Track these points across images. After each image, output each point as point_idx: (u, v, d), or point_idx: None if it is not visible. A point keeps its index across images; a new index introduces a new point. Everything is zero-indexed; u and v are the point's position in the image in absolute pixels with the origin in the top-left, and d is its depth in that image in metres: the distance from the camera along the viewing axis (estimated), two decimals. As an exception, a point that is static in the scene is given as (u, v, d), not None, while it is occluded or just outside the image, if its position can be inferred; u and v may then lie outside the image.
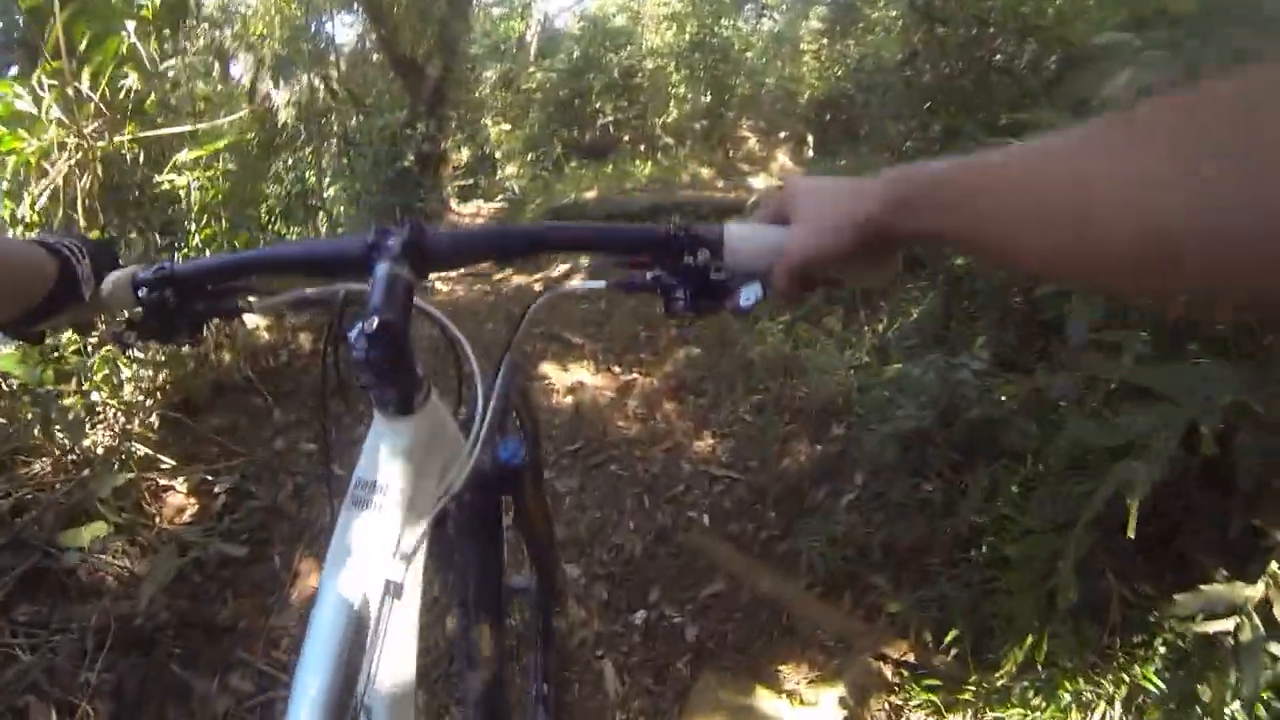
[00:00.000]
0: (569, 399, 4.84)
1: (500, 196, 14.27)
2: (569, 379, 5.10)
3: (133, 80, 3.94)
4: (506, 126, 16.65)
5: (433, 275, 1.08)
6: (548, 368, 5.29)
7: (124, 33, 3.47)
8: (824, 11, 14.46)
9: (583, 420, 4.58)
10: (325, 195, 11.90)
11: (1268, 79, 0.46)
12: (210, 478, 3.96)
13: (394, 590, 0.89)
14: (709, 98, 12.17)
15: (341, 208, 11.90)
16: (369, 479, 0.96)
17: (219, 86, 12.71)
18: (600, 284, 1.09)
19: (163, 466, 3.83)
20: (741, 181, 11.51)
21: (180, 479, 3.91)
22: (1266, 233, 0.44)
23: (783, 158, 12.28)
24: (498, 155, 16.91)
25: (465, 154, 17.09)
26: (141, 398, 4.05)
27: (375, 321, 0.89)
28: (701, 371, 4.93)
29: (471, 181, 16.51)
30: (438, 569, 1.46)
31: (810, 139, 13.01)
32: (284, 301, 1.12)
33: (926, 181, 0.74)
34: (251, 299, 1.11)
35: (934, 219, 0.72)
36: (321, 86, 14.75)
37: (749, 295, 0.95)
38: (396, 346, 0.92)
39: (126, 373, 3.99)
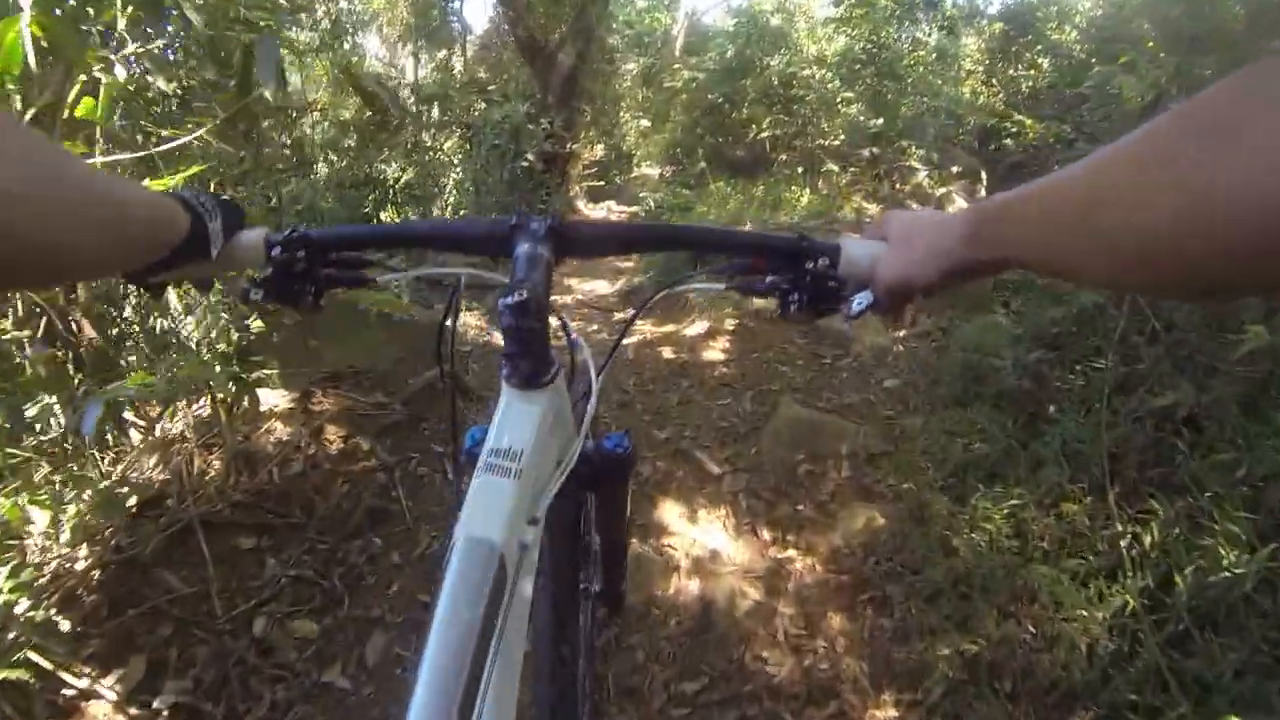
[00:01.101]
0: (694, 584, 3.38)
1: (635, 203, 12.95)
2: (697, 541, 3.65)
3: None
4: (646, 122, 15.25)
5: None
6: (669, 512, 3.83)
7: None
8: (998, 30, 12.88)
9: (711, 632, 3.12)
10: (437, 188, 10.81)
11: (1218, 98, 0.54)
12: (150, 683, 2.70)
13: (526, 552, 0.92)
14: (881, 121, 10.46)
15: (452, 200, 10.72)
16: (502, 446, 0.96)
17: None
18: (719, 286, 1.18)
19: (71, 678, 2.53)
20: (912, 222, 9.86)
21: (110, 680, 2.63)
22: (1243, 222, 0.51)
23: (958, 200, 10.57)
24: (635, 155, 15.51)
25: (600, 150, 15.87)
26: (67, 549, 2.75)
27: (523, 293, 0.94)
28: (885, 562, 3.41)
29: (603, 183, 15.24)
30: None
31: (984, 176, 11.44)
32: (409, 277, 1.24)
33: (995, 214, 0.84)
34: (378, 273, 1.18)
35: (1002, 248, 0.83)
36: (439, 69, 13.70)
37: (860, 302, 1.04)
38: (539, 318, 0.97)
39: (40, 520, 2.69)
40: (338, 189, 10.99)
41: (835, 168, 10.47)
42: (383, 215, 11.30)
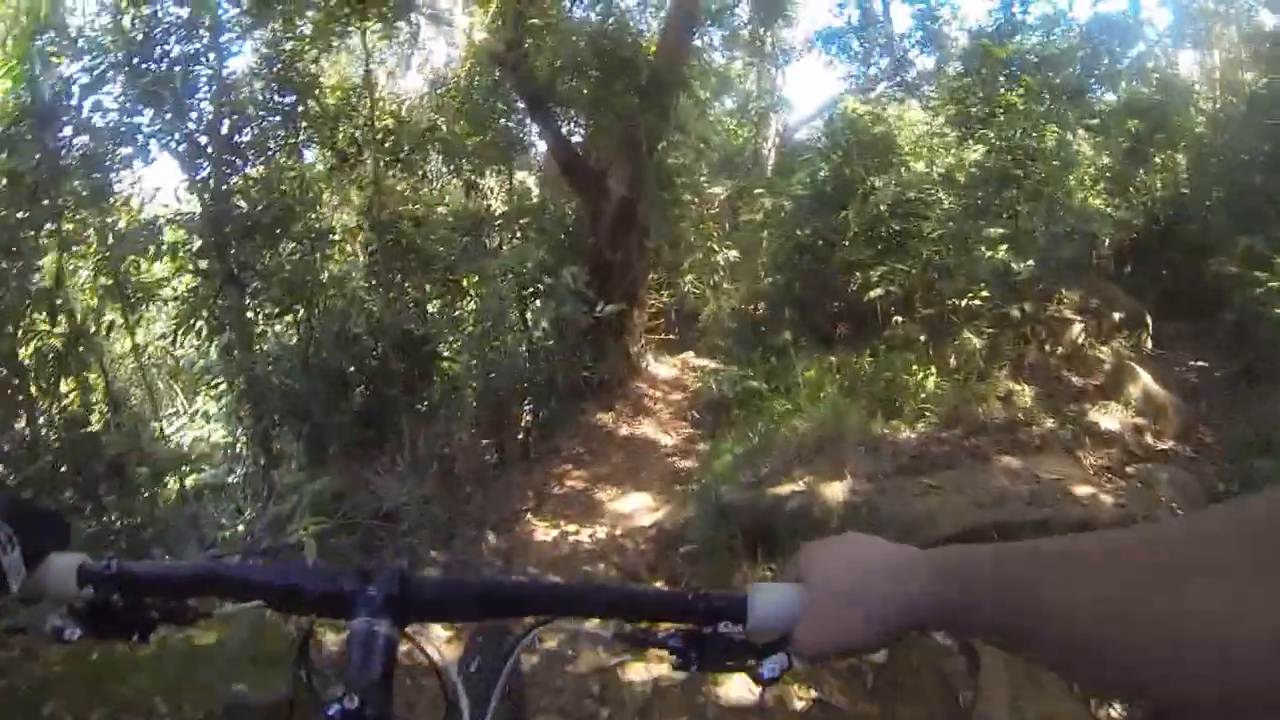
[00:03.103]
0: None
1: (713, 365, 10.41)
2: None
3: None
4: (735, 254, 12.57)
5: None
6: None
7: None
8: (1133, 126, 10.67)
9: None
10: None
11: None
12: None
13: None
14: (1029, 263, 7.53)
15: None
16: None
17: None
18: (607, 634, 1.07)
19: None
20: (1080, 417, 7.16)
21: None
22: None
23: (1142, 374, 7.69)
24: (715, 299, 12.76)
25: (672, 292, 13.56)
26: None
27: (356, 701, 0.85)
28: None
29: (674, 335, 12.61)
30: None
31: (1149, 322, 8.79)
32: (247, 610, 1.07)
33: (988, 579, 0.73)
34: (213, 608, 1.08)
35: (997, 616, 0.72)
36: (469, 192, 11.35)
37: (773, 666, 0.92)
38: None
39: None
40: (335, 341, 8.71)
41: (973, 337, 7.53)
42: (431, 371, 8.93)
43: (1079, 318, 8.47)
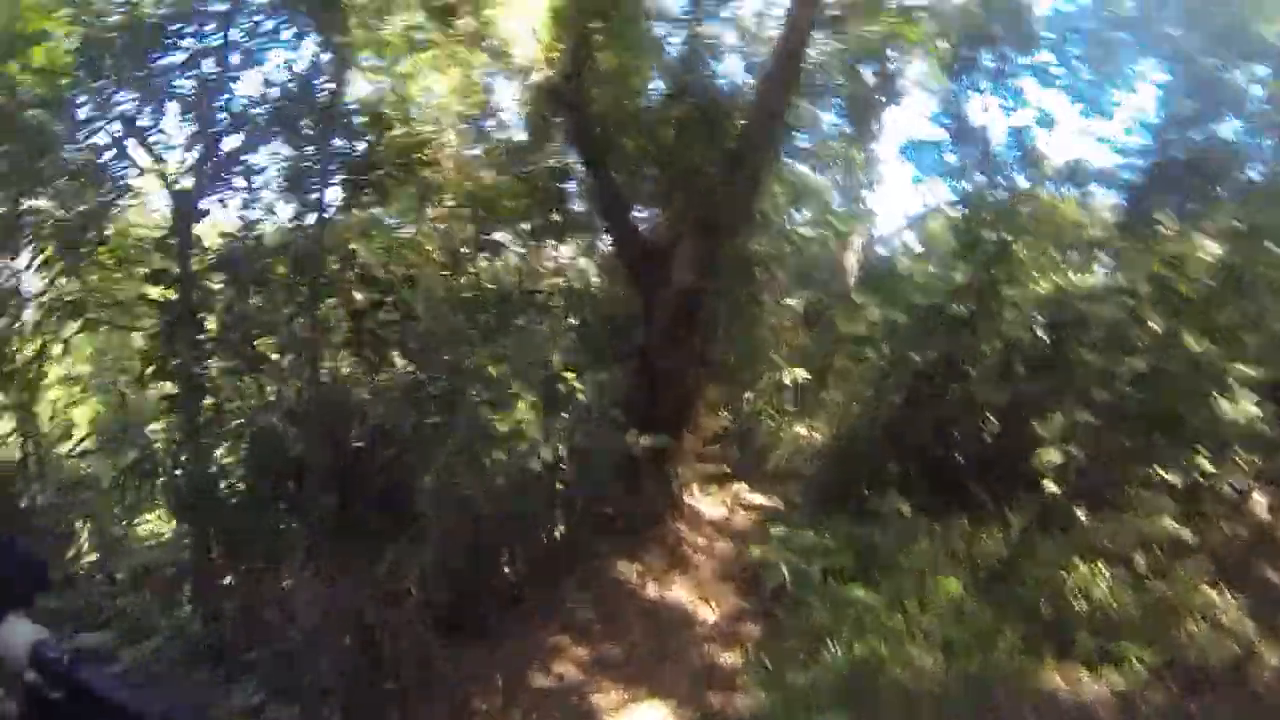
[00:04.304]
0: None
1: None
2: None
3: None
4: (803, 374, 10.74)
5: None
6: None
7: None
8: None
9: None
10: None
11: None
12: None
13: None
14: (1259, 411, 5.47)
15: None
16: None
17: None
18: None
19: None
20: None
21: None
22: None
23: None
24: (784, 425, 10.63)
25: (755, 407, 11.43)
26: None
27: None
28: None
29: (726, 466, 10.34)
30: None
31: None
32: None
33: None
34: None
35: None
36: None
37: None
38: None
39: None
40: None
41: (1173, 522, 5.33)
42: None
43: (1256, 483, 6.31)
